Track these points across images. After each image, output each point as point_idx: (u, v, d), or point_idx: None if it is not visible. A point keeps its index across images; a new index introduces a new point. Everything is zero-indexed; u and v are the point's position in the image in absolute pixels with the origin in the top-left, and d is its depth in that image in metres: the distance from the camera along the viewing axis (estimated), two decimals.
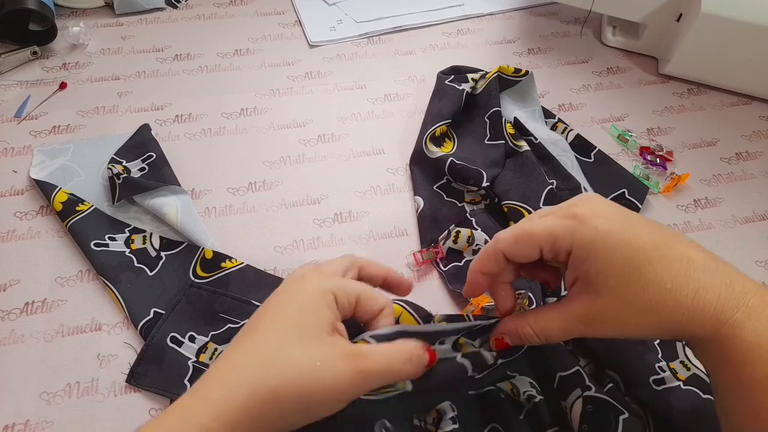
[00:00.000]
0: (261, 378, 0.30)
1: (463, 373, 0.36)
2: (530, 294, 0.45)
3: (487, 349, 0.38)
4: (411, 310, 0.44)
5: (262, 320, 0.33)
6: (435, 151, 0.56)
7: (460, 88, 0.60)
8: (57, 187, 0.53)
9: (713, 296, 0.30)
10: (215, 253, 0.49)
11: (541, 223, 0.33)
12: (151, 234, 0.51)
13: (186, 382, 0.43)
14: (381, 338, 0.34)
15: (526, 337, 0.35)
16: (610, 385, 0.42)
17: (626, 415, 0.38)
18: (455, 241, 0.51)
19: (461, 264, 0.50)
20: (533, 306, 0.45)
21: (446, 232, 0.52)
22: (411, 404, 0.38)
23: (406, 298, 0.41)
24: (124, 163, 0.56)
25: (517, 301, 0.41)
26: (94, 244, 0.49)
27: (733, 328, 0.30)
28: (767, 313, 0.30)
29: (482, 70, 0.64)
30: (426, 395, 0.38)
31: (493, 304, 0.41)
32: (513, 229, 0.35)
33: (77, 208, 0.51)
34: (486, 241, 0.50)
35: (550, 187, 0.52)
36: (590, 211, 0.32)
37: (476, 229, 0.51)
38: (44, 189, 0.53)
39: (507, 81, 0.60)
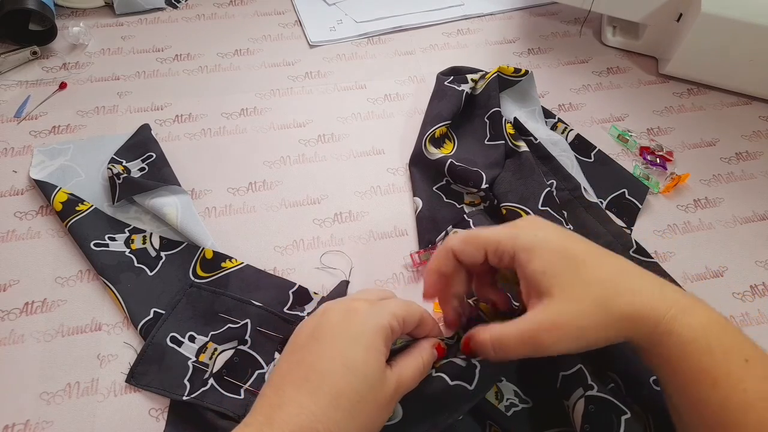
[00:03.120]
0: None
1: (445, 384, 0.37)
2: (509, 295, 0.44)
3: (457, 355, 0.39)
4: None
5: (328, 363, 0.32)
6: (434, 153, 0.56)
7: (460, 89, 0.60)
8: (57, 187, 0.53)
9: (648, 295, 0.33)
10: (215, 253, 0.49)
11: (488, 230, 0.37)
12: (151, 234, 0.51)
13: (186, 382, 0.43)
14: None
15: (481, 345, 0.35)
16: (612, 385, 0.42)
17: (628, 415, 0.38)
18: None
19: None
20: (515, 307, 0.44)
21: (443, 233, 0.52)
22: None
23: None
24: (124, 163, 0.56)
25: (474, 303, 0.43)
26: (94, 244, 0.49)
27: (668, 325, 0.32)
28: (698, 310, 0.33)
29: (482, 71, 0.64)
30: (423, 419, 0.38)
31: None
32: (464, 232, 0.38)
33: (77, 208, 0.51)
34: None
35: (549, 188, 0.52)
36: (530, 224, 0.36)
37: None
38: (44, 189, 0.53)
39: (507, 81, 0.60)
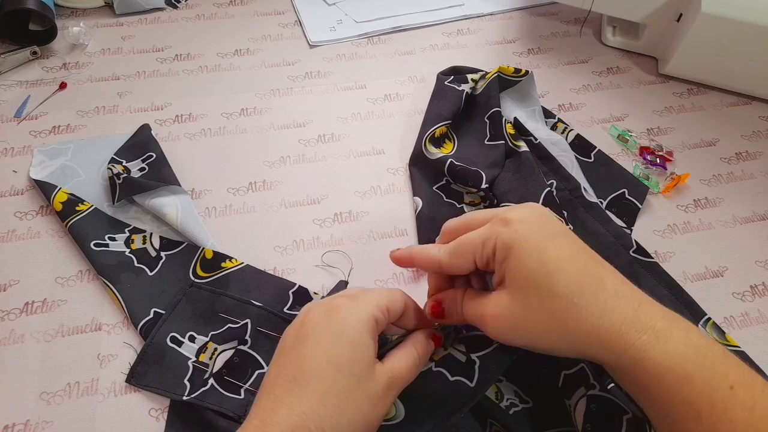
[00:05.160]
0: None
1: (445, 381, 0.37)
2: None
3: (455, 347, 0.39)
4: None
5: (313, 363, 0.32)
6: (434, 153, 0.56)
7: (460, 88, 0.60)
8: (57, 187, 0.53)
9: (619, 318, 0.31)
10: (215, 253, 0.49)
11: (472, 234, 0.35)
12: (151, 234, 0.51)
13: (186, 381, 0.43)
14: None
15: (450, 302, 0.37)
16: (612, 384, 0.42)
17: (630, 414, 0.38)
18: None
19: None
20: None
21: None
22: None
23: None
24: (124, 163, 0.56)
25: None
26: (94, 244, 0.49)
27: (640, 351, 0.30)
28: (674, 336, 0.31)
29: (482, 71, 0.64)
30: (424, 418, 0.38)
31: None
32: (453, 244, 0.36)
33: (77, 208, 0.51)
34: None
35: (549, 189, 0.52)
36: (518, 217, 0.34)
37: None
38: (44, 189, 0.53)
39: (507, 81, 0.60)
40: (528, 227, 0.33)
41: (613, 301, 0.31)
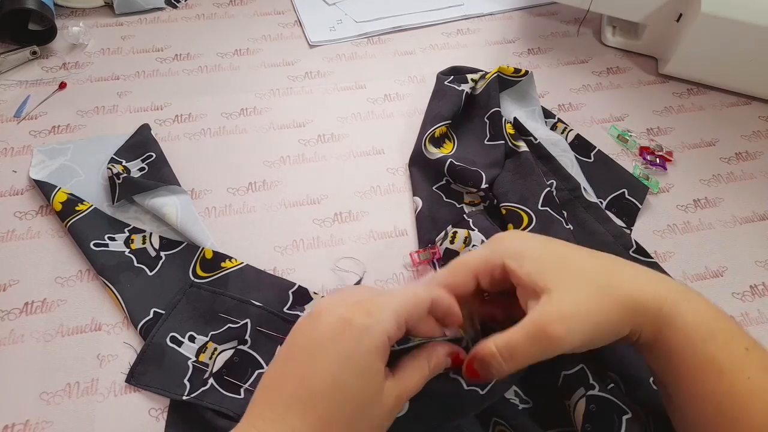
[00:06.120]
0: None
1: (459, 388, 0.37)
2: None
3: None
4: None
5: (319, 383, 0.30)
6: (434, 153, 0.56)
7: (460, 88, 0.60)
8: (56, 187, 0.53)
9: (645, 281, 0.34)
10: (215, 253, 0.49)
11: (469, 254, 0.37)
12: (151, 234, 0.51)
13: (186, 381, 0.43)
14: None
15: (489, 357, 0.32)
16: (611, 385, 0.42)
17: (629, 414, 0.38)
18: (452, 242, 0.51)
19: None
20: None
21: (443, 232, 0.52)
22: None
23: None
24: (124, 163, 0.56)
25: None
26: (94, 244, 0.49)
27: (671, 309, 0.32)
28: (695, 296, 0.34)
29: (482, 71, 0.64)
30: (428, 418, 0.38)
31: None
32: (446, 267, 0.37)
33: (77, 208, 0.51)
34: (483, 242, 0.50)
35: (548, 189, 0.52)
36: (510, 234, 0.38)
37: (473, 230, 0.51)
38: (44, 189, 0.53)
39: (507, 81, 0.60)
40: (527, 238, 0.37)
41: (632, 270, 0.35)
